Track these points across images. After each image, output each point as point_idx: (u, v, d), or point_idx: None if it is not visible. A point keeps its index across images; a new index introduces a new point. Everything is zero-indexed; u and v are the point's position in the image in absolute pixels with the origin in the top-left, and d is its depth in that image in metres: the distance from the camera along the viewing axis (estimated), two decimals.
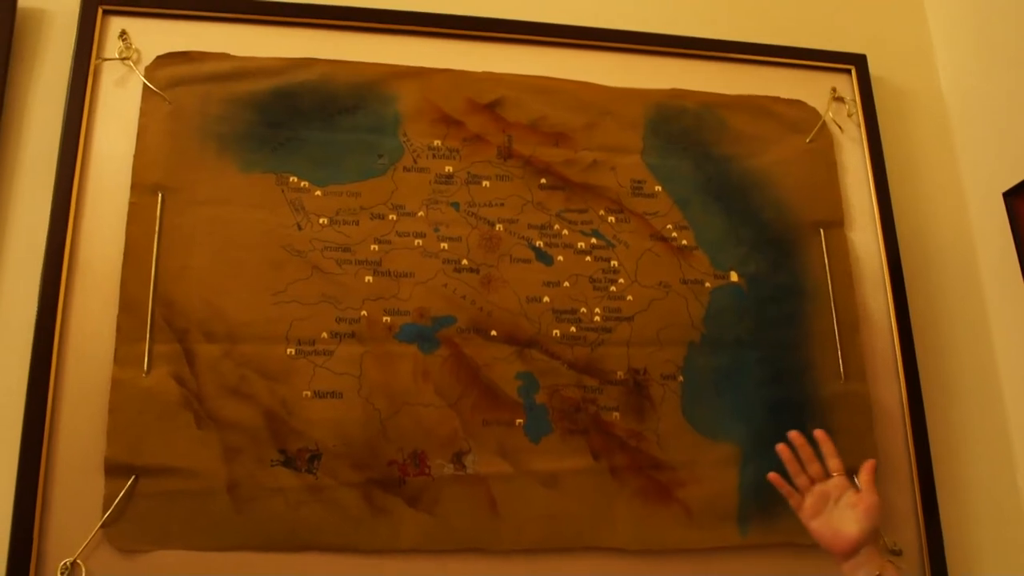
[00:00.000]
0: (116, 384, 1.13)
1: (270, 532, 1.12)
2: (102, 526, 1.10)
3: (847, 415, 1.27)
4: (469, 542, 1.16)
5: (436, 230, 1.24)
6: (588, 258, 1.27)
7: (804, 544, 1.22)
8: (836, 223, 1.35)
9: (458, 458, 1.16)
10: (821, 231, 1.34)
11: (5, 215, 1.19)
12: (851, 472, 1.22)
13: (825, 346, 1.29)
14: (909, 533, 1.28)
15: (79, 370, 1.15)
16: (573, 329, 1.23)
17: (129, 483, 1.11)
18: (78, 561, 1.09)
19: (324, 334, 1.18)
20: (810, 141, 1.39)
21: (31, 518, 1.11)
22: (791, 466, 1.13)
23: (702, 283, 1.29)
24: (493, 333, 1.21)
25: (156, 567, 1.11)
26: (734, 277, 1.30)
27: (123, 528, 1.10)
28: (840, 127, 1.43)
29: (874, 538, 1.07)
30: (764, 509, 1.22)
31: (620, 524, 1.19)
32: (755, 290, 1.29)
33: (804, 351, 1.29)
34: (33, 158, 1.21)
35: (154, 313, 1.16)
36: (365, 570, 1.14)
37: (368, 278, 1.21)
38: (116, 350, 1.14)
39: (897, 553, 1.25)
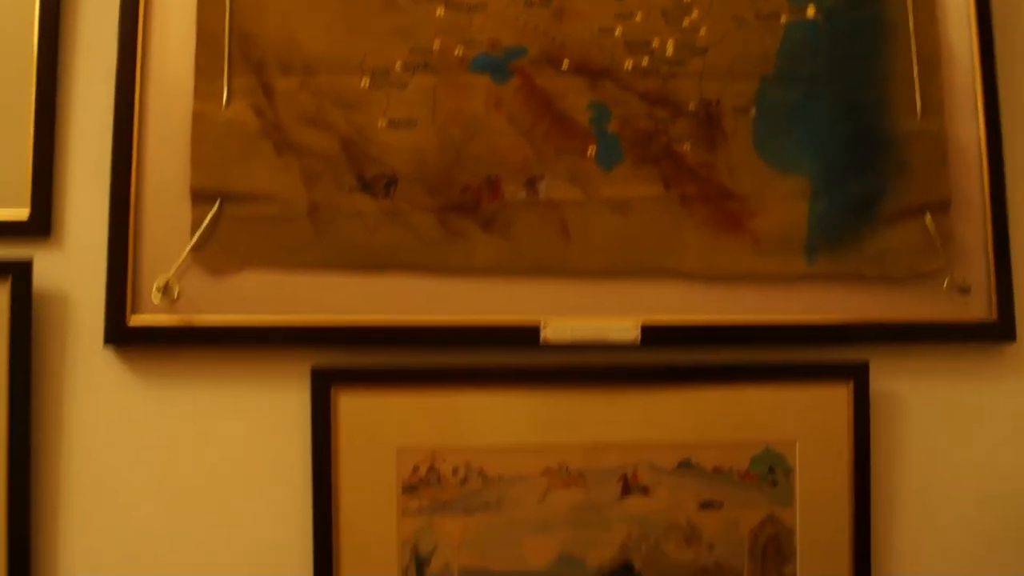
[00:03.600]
0: (197, 117, 1.16)
1: (349, 253, 1.17)
2: (191, 249, 1.14)
3: (922, 151, 1.27)
4: (541, 264, 1.18)
5: None
6: None
7: (872, 276, 1.23)
8: None
9: (531, 184, 1.19)
10: None
11: None
12: (925, 208, 1.22)
13: (903, 82, 1.28)
14: (979, 271, 1.28)
15: (161, 105, 1.18)
16: (645, 61, 1.23)
17: (215, 208, 1.14)
18: (171, 281, 1.13)
19: (398, 66, 1.19)
20: None
21: (125, 244, 1.17)
22: None
23: (777, 17, 1.27)
24: (565, 64, 1.21)
25: (243, 286, 1.16)
26: (810, 12, 1.27)
27: (211, 250, 1.15)
28: None
29: None
30: (832, 242, 1.24)
31: (689, 251, 1.21)
32: (832, 25, 1.27)
33: (880, 87, 1.27)
34: None
35: (231, 47, 1.17)
36: (440, 290, 1.18)
37: (440, 11, 1.21)
38: (196, 84, 1.17)
39: (966, 291, 1.25)
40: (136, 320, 1.14)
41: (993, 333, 1.28)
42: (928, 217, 1.26)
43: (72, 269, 1.18)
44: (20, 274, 1.13)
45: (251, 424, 1.20)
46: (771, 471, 1.23)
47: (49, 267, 1.18)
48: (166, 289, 1.15)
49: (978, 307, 1.27)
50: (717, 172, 1.22)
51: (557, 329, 1.17)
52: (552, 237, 1.19)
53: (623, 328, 1.18)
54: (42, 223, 1.17)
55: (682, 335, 1.21)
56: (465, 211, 1.18)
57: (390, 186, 1.17)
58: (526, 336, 1.18)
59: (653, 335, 1.19)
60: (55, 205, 1.20)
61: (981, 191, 1.29)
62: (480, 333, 1.18)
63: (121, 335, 1.14)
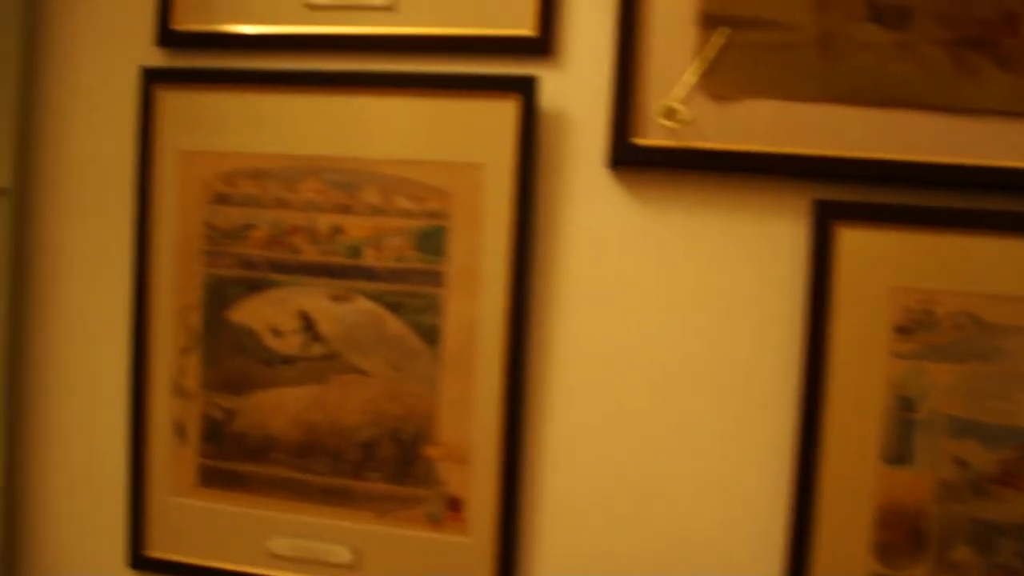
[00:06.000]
0: None
1: (857, 86, 1.13)
2: (695, 74, 1.12)
3: None
4: None
5: None
6: None
7: None
8: None
9: None
10: None
11: None
12: None
13: None
14: None
15: None
16: None
17: (723, 33, 1.12)
18: (676, 105, 1.12)
19: None
20: None
21: (631, 66, 1.19)
22: None
23: None
24: None
25: (746, 113, 1.15)
26: None
27: (716, 76, 1.14)
28: None
29: None
30: None
31: None
32: None
33: None
34: None
35: None
36: (948, 128, 1.14)
37: None
38: None
39: None
40: (640, 142, 1.13)
41: None
42: None
43: (574, 88, 1.17)
44: (527, 90, 1.13)
45: (743, 252, 1.20)
46: None
47: (551, 86, 1.16)
48: (670, 112, 1.13)
49: None
50: None
51: None
52: None
53: None
54: (545, 41, 1.16)
55: None
56: (980, 46, 1.13)
57: (903, 17, 1.12)
58: None
59: None
60: (558, 23, 1.20)
61: None
62: (989, 176, 1.12)
63: (624, 156, 1.14)
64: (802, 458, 1.15)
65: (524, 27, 1.18)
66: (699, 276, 1.18)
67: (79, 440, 1.36)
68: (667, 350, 1.18)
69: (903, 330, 1.15)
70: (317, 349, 1.23)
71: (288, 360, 1.24)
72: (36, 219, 1.37)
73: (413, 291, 1.20)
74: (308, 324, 1.22)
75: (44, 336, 1.37)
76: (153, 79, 1.27)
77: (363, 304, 1.21)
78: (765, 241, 1.17)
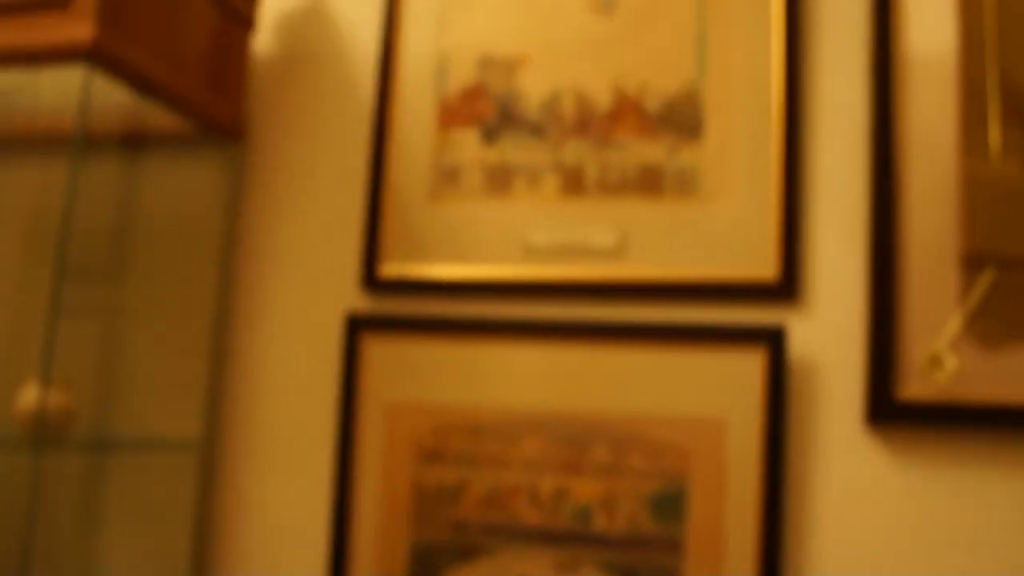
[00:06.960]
0: (966, 175, 1.06)
1: None
2: (962, 318, 1.03)
3: None
4: None
5: None
6: None
7: None
8: None
9: None
10: None
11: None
12: None
13: None
14: None
15: (920, 162, 1.12)
16: None
17: (990, 274, 1.01)
18: (942, 353, 1.00)
19: None
20: None
21: (888, 312, 1.09)
22: None
23: None
24: None
25: (1018, 360, 1.01)
26: None
27: (985, 321, 1.04)
28: None
29: None
30: None
31: None
32: None
33: None
34: None
35: (997, 97, 1.06)
36: None
37: None
38: (961, 139, 1.05)
39: None
40: (902, 395, 1.01)
41: None
42: None
43: (823, 335, 1.08)
44: (775, 342, 1.03)
45: (1019, 516, 1.05)
46: None
47: (797, 332, 1.11)
48: (935, 362, 1.01)
49: None
50: None
51: None
52: None
53: None
54: (789, 285, 1.06)
55: None
56: None
57: None
58: None
59: None
60: (802, 264, 1.13)
61: None
62: None
63: (885, 411, 1.03)
64: None
65: (765, 270, 1.08)
66: (969, 541, 1.05)
67: None
68: None
69: None
70: None
71: None
72: (226, 474, 1.26)
73: (648, 561, 1.06)
74: None
75: None
76: (360, 327, 1.18)
77: (592, 575, 1.06)
78: None
